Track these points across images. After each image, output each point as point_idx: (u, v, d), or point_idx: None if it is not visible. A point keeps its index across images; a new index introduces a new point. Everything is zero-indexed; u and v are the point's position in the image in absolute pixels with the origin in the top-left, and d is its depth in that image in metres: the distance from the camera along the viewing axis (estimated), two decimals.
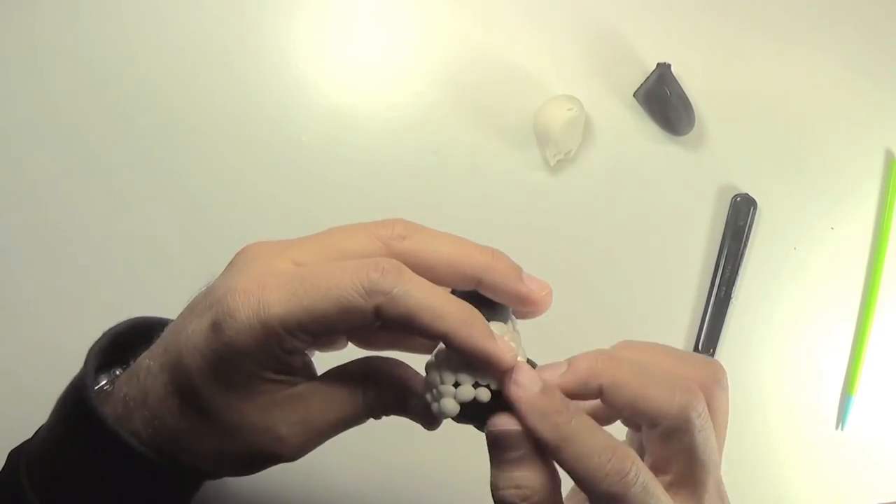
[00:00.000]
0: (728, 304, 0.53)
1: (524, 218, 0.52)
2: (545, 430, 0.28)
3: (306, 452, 0.31)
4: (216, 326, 0.29)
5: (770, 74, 0.56)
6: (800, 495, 0.52)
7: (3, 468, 0.35)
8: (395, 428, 0.48)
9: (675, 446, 0.29)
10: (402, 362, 0.32)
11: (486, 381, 0.29)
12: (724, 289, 0.53)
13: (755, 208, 0.54)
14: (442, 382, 0.30)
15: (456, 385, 0.29)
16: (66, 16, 0.51)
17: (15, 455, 0.35)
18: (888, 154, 0.56)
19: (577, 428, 0.29)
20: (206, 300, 0.30)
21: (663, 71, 0.51)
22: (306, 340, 0.29)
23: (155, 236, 0.49)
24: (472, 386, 0.29)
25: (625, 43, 0.55)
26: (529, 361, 0.32)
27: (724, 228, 0.53)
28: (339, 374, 0.32)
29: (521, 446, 0.29)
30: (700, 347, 0.52)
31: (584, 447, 0.28)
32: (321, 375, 0.32)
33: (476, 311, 0.29)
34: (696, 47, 0.55)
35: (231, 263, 0.31)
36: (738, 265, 0.53)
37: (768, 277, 0.54)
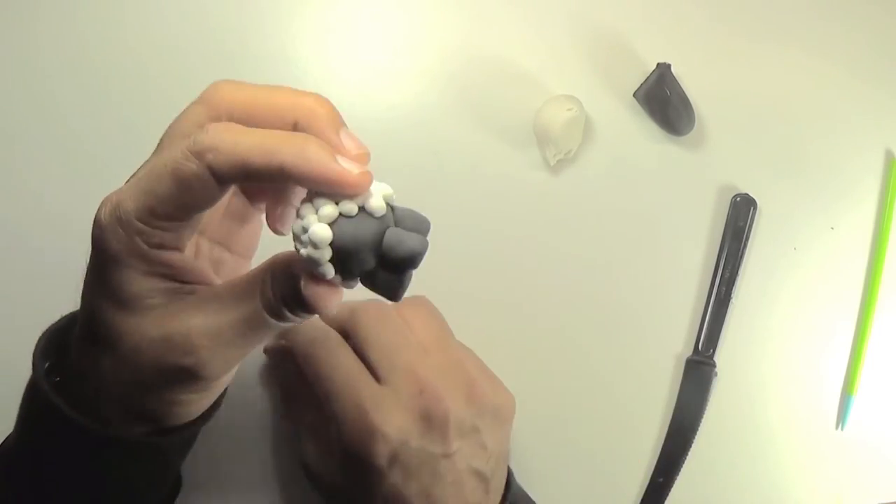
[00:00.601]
0: (728, 304, 0.53)
1: (524, 218, 0.52)
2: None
3: (219, 366, 0.30)
4: (92, 244, 0.29)
5: (770, 74, 0.56)
6: (800, 495, 0.52)
7: None
8: None
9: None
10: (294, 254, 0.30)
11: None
12: (724, 289, 0.53)
13: (755, 208, 0.54)
14: (302, 217, 0.27)
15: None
16: (65, 14, 0.51)
17: None
18: (888, 154, 0.56)
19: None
20: None
21: (663, 71, 0.51)
22: (166, 227, 0.28)
23: None
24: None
25: (625, 43, 0.55)
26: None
27: (724, 228, 0.53)
28: (236, 278, 0.31)
29: None
30: (700, 347, 0.52)
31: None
32: (225, 281, 0.31)
33: (311, 137, 0.27)
34: (696, 47, 0.55)
35: None
36: (738, 265, 0.53)
37: (768, 277, 0.54)
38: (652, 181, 0.54)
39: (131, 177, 0.30)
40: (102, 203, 0.29)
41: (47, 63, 0.51)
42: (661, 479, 0.51)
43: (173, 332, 0.29)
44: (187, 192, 0.27)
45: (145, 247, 0.28)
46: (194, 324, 0.29)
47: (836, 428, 0.53)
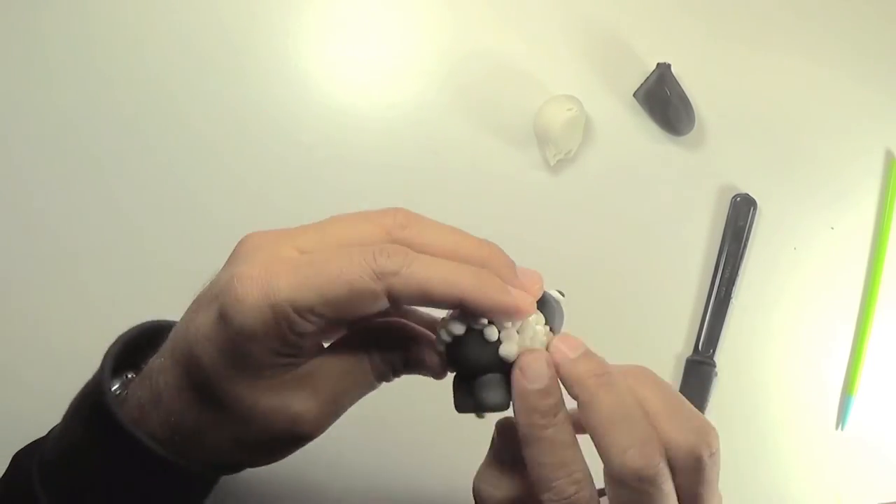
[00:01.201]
0: (728, 304, 0.53)
1: (524, 218, 0.52)
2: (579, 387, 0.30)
3: (324, 427, 0.31)
4: (224, 313, 0.29)
5: (770, 75, 0.56)
6: (800, 495, 0.52)
7: (9, 471, 0.35)
8: (398, 432, 0.48)
9: (684, 483, 0.30)
10: (403, 320, 0.33)
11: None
12: (724, 289, 0.53)
13: (755, 208, 0.54)
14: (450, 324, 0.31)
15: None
16: (68, 14, 0.51)
17: (22, 459, 0.35)
18: (888, 154, 0.56)
19: (620, 407, 0.30)
20: (210, 291, 0.30)
21: (663, 71, 0.51)
22: (316, 324, 0.29)
23: (155, 236, 0.49)
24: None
25: (625, 43, 0.55)
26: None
27: (724, 228, 0.53)
28: (343, 343, 0.32)
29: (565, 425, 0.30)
30: (700, 347, 0.52)
31: (619, 434, 0.29)
32: (325, 349, 0.32)
33: (487, 271, 0.30)
34: (696, 47, 0.55)
35: (233, 254, 0.31)
36: (738, 265, 0.53)
37: (768, 277, 0.54)
38: (652, 181, 0.54)
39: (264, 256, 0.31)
40: (241, 278, 0.29)
41: (48, 63, 0.51)
42: None
43: (289, 402, 0.30)
44: (356, 304, 0.29)
45: (289, 333, 0.29)
46: (307, 394, 0.31)
47: (836, 428, 0.53)
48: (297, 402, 0.30)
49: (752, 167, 0.55)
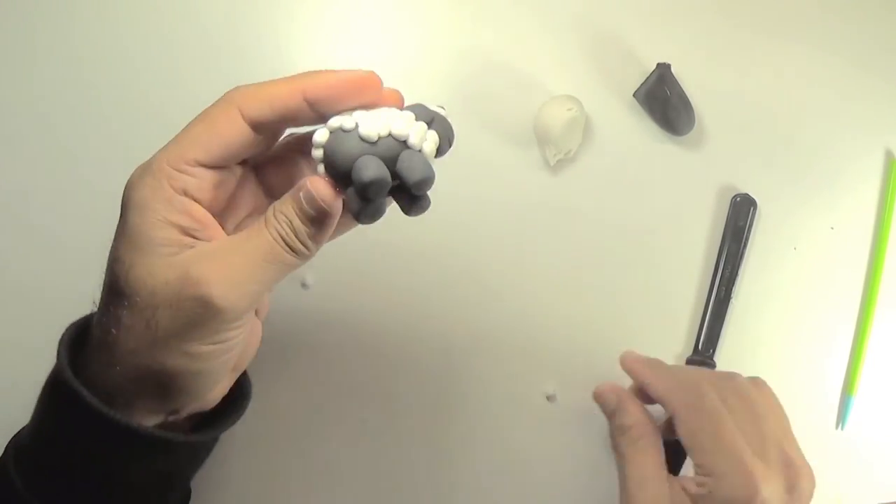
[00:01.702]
0: (728, 304, 0.53)
1: (524, 218, 0.52)
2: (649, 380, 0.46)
3: (237, 295, 0.31)
4: (122, 201, 0.32)
5: (770, 74, 0.56)
6: None
7: None
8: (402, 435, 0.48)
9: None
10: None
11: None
12: (724, 289, 0.53)
13: (755, 208, 0.54)
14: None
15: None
16: (60, 14, 0.51)
17: (7, 446, 0.36)
18: (888, 154, 0.56)
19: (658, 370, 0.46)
20: None
21: (663, 71, 0.51)
22: (193, 174, 0.31)
23: None
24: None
25: (625, 43, 0.55)
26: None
27: (724, 228, 0.53)
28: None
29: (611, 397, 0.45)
30: (700, 347, 0.52)
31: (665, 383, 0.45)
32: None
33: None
34: (696, 47, 0.55)
35: None
36: (738, 265, 0.53)
37: (768, 277, 0.54)
38: (652, 181, 0.54)
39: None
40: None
41: (41, 61, 0.51)
42: None
43: (188, 269, 0.30)
44: (219, 135, 0.31)
45: (171, 190, 0.30)
46: (209, 258, 0.31)
47: (836, 428, 0.53)
48: (197, 267, 0.30)
49: (752, 167, 0.55)
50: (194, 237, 0.31)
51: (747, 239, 0.53)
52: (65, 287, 0.48)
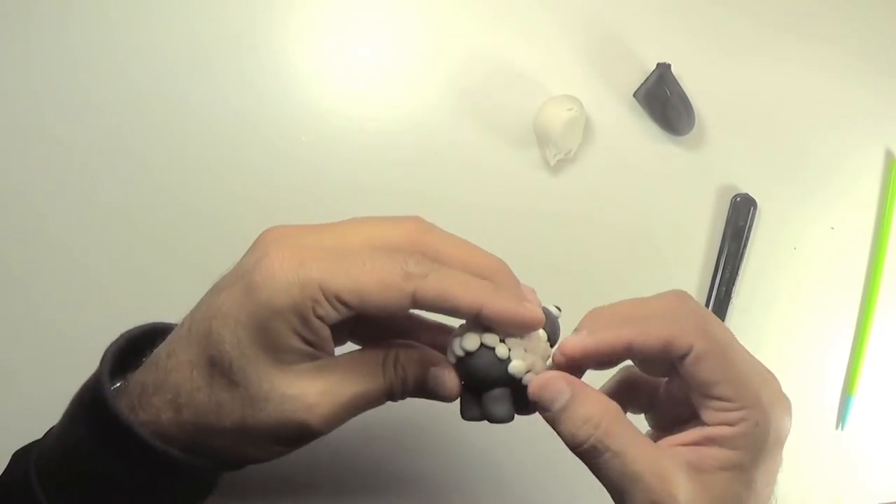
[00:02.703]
0: (728, 304, 0.53)
1: (524, 218, 0.52)
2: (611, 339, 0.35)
3: (331, 426, 0.32)
4: (252, 287, 0.30)
5: (770, 74, 0.56)
6: (800, 495, 0.52)
7: (7, 470, 0.35)
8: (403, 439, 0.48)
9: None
10: (422, 345, 0.35)
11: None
12: (724, 289, 0.53)
13: (755, 208, 0.54)
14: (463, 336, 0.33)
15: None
16: (58, 17, 0.51)
17: (20, 457, 0.35)
18: (888, 154, 0.56)
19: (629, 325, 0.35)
20: (235, 273, 0.31)
21: (663, 71, 0.51)
22: (340, 312, 0.30)
23: (154, 239, 0.49)
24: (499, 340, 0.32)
25: (625, 43, 0.55)
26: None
27: (724, 228, 0.53)
28: (361, 351, 0.34)
29: (565, 392, 0.33)
30: None
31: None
32: (344, 353, 0.34)
33: (502, 286, 0.32)
34: (696, 47, 0.55)
35: (255, 243, 0.33)
36: (738, 265, 0.53)
37: (768, 277, 0.54)
38: (652, 181, 0.54)
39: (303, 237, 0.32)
40: (272, 257, 0.30)
41: (37, 68, 0.51)
42: None
43: (302, 391, 0.31)
44: (382, 299, 0.30)
45: (312, 314, 0.30)
46: (321, 388, 0.31)
47: (836, 428, 0.53)
48: (312, 394, 0.31)
49: (752, 167, 0.55)
50: (315, 349, 0.32)
51: (747, 239, 0.53)
52: (67, 293, 0.48)
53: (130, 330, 0.35)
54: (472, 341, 0.32)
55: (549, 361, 0.34)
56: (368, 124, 0.52)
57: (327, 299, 0.30)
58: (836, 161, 0.55)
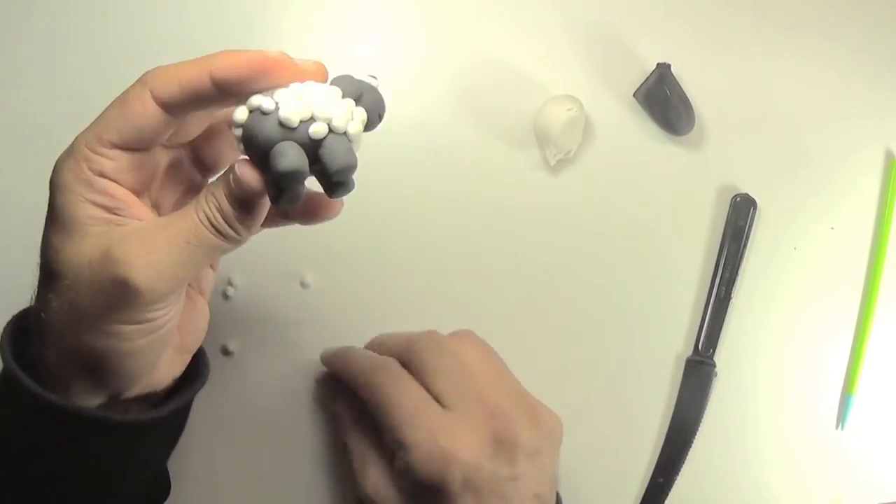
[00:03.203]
0: (728, 304, 0.53)
1: (524, 218, 0.52)
2: None
3: (159, 277, 0.30)
4: (49, 185, 0.32)
5: (770, 74, 0.56)
6: (800, 495, 0.52)
7: None
8: None
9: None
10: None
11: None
12: (724, 289, 0.53)
13: (755, 208, 0.54)
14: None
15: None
16: (56, 17, 0.51)
17: None
18: (888, 154, 0.56)
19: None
20: None
21: (663, 71, 0.51)
22: (110, 156, 0.31)
23: None
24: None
25: (625, 43, 0.55)
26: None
27: (724, 228, 0.53)
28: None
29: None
30: (700, 347, 0.52)
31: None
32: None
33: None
34: (696, 47, 0.55)
35: None
36: (738, 265, 0.53)
37: (768, 277, 0.54)
38: (652, 181, 0.54)
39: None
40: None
41: (33, 67, 0.51)
42: (660, 479, 0.51)
43: (109, 248, 0.30)
44: (130, 118, 0.30)
45: (89, 173, 0.31)
46: (130, 238, 0.31)
47: (836, 428, 0.53)
48: (120, 247, 0.30)
49: (752, 167, 0.55)
50: (119, 215, 0.32)
51: (747, 239, 0.53)
52: None
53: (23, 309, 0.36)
54: (240, 112, 0.30)
55: (359, 125, 0.32)
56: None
57: (94, 151, 0.31)
58: (836, 161, 0.55)
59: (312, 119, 0.30)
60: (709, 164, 0.54)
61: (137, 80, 0.31)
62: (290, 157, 0.29)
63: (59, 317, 0.32)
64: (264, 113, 0.29)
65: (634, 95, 0.53)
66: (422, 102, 0.53)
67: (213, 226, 0.31)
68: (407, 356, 0.41)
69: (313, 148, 0.30)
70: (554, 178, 0.53)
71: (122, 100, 0.31)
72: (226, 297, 0.49)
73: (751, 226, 0.53)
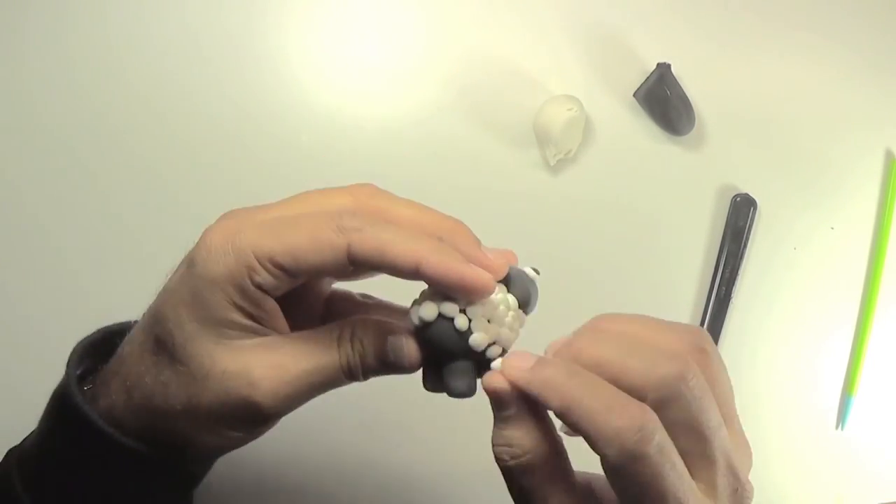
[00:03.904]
0: (728, 304, 0.53)
1: (524, 218, 0.52)
2: (547, 395, 0.28)
3: (282, 406, 0.30)
4: (191, 263, 0.30)
5: (770, 74, 0.56)
6: (800, 495, 0.52)
7: (0, 466, 0.35)
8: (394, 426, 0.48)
9: (671, 419, 0.27)
10: (380, 318, 0.32)
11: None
12: (724, 289, 0.53)
13: (755, 208, 0.54)
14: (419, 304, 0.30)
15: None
16: (55, 16, 0.51)
17: (8, 454, 0.35)
18: (888, 154, 0.56)
19: (580, 386, 0.28)
20: (185, 256, 0.31)
21: (663, 71, 0.51)
22: (277, 277, 0.29)
23: (151, 240, 0.49)
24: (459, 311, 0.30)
25: (625, 43, 0.55)
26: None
27: (724, 228, 0.53)
28: (316, 328, 0.32)
29: (511, 406, 0.29)
30: None
31: (589, 405, 0.27)
32: (295, 332, 0.32)
33: (454, 240, 0.30)
34: (696, 47, 0.55)
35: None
36: (738, 265, 0.53)
37: (768, 277, 0.54)
38: (652, 181, 0.54)
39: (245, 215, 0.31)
40: (213, 231, 0.30)
41: (34, 66, 0.51)
42: None
43: (247, 366, 0.30)
44: (317, 256, 0.29)
45: (248, 283, 0.29)
46: (267, 363, 0.30)
47: (836, 428, 0.53)
48: (257, 368, 0.30)
49: (752, 167, 0.55)
50: (261, 325, 0.31)
51: (747, 239, 0.53)
52: (66, 292, 0.48)
53: (108, 326, 0.35)
54: (429, 310, 0.30)
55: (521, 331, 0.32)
56: (368, 124, 0.52)
57: (262, 265, 0.29)
58: (836, 161, 0.55)
59: (494, 343, 0.31)
60: (709, 164, 0.54)
61: (340, 220, 0.29)
62: (466, 382, 0.30)
63: (169, 396, 0.30)
64: (458, 331, 0.30)
65: (634, 95, 0.53)
66: (422, 102, 0.53)
67: (349, 370, 0.31)
68: (669, 399, 0.28)
69: (478, 362, 0.31)
70: (554, 178, 0.53)
71: (315, 236, 0.29)
72: None
73: (751, 226, 0.53)
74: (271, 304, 0.30)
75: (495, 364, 0.30)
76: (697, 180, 0.54)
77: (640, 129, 0.54)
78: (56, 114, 0.50)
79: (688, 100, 0.53)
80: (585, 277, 0.52)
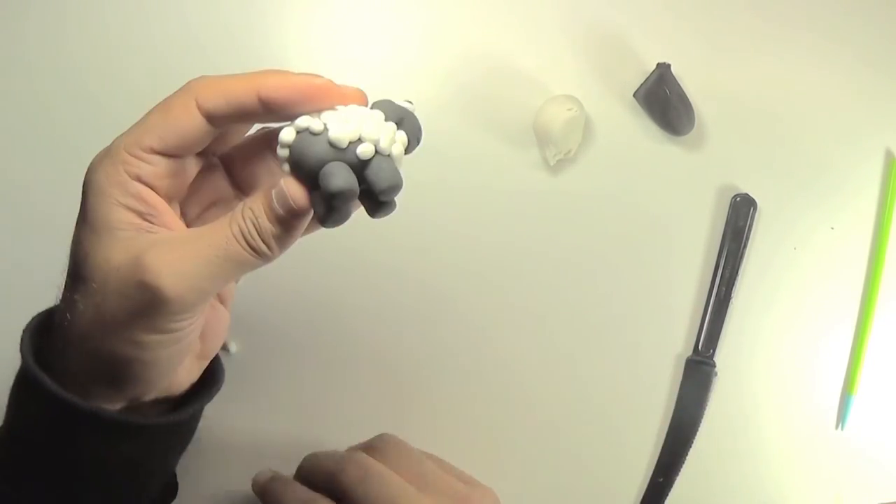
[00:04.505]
0: (728, 304, 0.53)
1: (524, 218, 0.52)
2: None
3: (185, 291, 0.30)
4: (83, 185, 0.32)
5: (770, 74, 0.56)
6: (799, 495, 0.52)
7: None
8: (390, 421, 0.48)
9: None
10: None
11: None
12: (724, 289, 0.53)
13: (755, 208, 0.54)
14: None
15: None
16: (55, 14, 0.51)
17: None
18: (888, 154, 0.56)
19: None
20: None
21: (663, 71, 0.51)
22: (148, 160, 0.31)
23: None
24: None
25: (625, 43, 0.55)
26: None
27: (724, 228, 0.53)
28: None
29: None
30: (700, 347, 0.52)
31: None
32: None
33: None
34: (696, 47, 0.55)
35: None
36: (738, 265, 0.53)
37: (768, 277, 0.54)
38: (652, 181, 0.54)
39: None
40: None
41: (33, 64, 0.51)
42: (660, 479, 0.51)
43: (140, 255, 0.30)
44: (175, 123, 0.31)
45: (125, 176, 0.31)
46: (161, 247, 0.30)
47: (836, 428, 0.53)
48: (148, 253, 0.30)
49: (752, 167, 0.55)
50: (151, 223, 0.32)
51: (747, 239, 0.53)
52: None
53: (51, 306, 0.36)
54: (287, 133, 0.30)
55: (400, 147, 0.32)
56: None
57: (133, 154, 0.31)
58: (836, 161, 0.55)
59: (360, 140, 0.31)
60: (709, 164, 0.55)
61: (182, 88, 0.31)
62: (342, 176, 0.30)
63: (84, 320, 0.31)
64: (313, 133, 0.30)
65: (634, 95, 0.53)
66: (421, 101, 0.52)
67: (246, 242, 0.31)
68: (337, 490, 0.40)
69: (360, 168, 0.31)
70: (554, 178, 0.53)
71: (165, 106, 0.31)
72: None
73: (751, 226, 0.53)
74: (156, 199, 0.32)
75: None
76: (697, 180, 0.54)
77: (640, 129, 0.54)
78: (56, 114, 0.50)
79: (688, 100, 0.53)
80: (585, 278, 0.52)
